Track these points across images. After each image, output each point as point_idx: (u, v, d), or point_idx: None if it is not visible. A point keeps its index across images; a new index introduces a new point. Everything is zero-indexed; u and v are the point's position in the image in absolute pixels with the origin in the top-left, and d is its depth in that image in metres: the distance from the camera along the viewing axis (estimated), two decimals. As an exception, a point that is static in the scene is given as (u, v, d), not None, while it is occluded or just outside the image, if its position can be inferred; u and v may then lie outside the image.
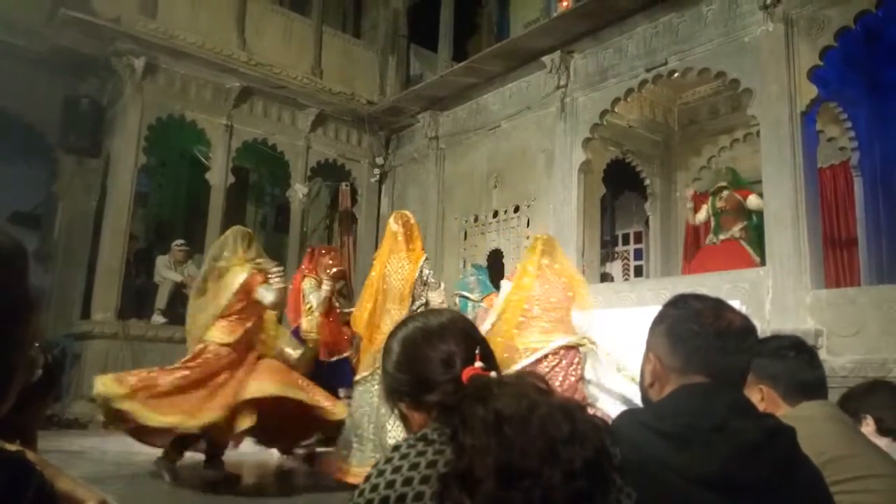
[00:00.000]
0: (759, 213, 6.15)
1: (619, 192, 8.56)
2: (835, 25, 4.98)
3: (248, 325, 4.24)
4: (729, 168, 7.07)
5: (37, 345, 0.97)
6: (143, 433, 4.13)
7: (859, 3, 4.86)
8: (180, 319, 7.87)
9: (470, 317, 5.50)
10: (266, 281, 4.25)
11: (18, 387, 0.83)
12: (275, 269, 4.38)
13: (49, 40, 7.59)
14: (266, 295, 4.19)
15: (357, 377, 4.25)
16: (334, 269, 5.36)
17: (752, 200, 6.40)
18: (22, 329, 0.81)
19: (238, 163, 8.65)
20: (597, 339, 4.62)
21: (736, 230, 6.49)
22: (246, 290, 4.18)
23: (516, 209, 7.60)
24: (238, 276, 4.20)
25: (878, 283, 5.73)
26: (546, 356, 4.31)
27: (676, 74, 6.18)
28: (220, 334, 4.16)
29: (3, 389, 0.81)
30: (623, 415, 1.17)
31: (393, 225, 4.47)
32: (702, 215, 6.89)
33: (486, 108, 8.13)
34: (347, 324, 5.14)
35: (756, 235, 6.25)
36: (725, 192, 6.64)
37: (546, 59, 6.98)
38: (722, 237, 6.57)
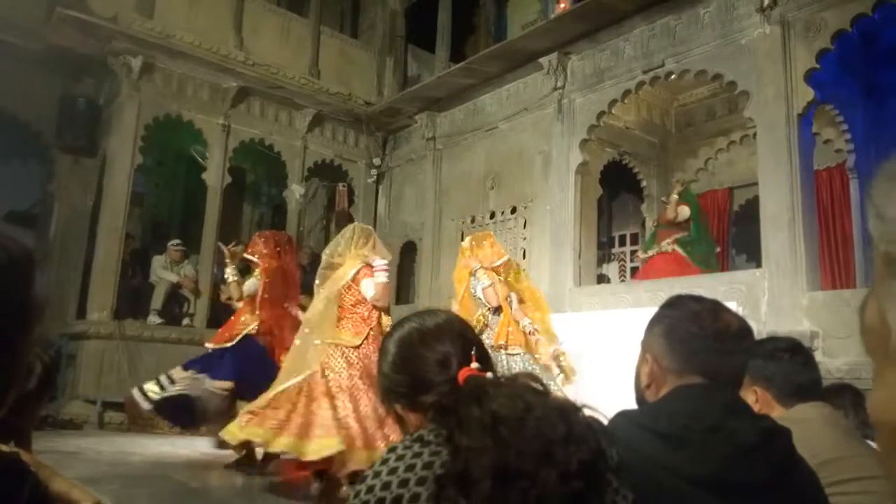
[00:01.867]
0: (695, 226, 6.52)
1: (616, 193, 8.57)
2: (831, 28, 4.99)
3: (373, 324, 4.08)
4: (679, 180, 7.12)
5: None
6: None
7: (856, 6, 4.87)
8: (176, 319, 7.89)
9: None
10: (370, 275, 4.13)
11: (16, 393, 0.83)
12: (379, 262, 4.17)
13: (45, 39, 7.56)
14: (367, 288, 4.06)
15: None
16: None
17: (670, 212, 6.59)
18: (24, 335, 0.81)
19: (235, 163, 8.63)
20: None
21: (665, 244, 6.54)
22: (357, 284, 4.11)
23: (513, 210, 7.60)
24: (350, 269, 4.15)
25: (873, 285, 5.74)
26: None
27: (673, 76, 6.19)
28: (348, 336, 4.04)
29: (1, 395, 0.81)
30: (619, 416, 1.17)
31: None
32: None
33: (484, 109, 8.14)
34: None
35: (689, 248, 6.45)
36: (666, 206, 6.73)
37: (543, 60, 6.99)
38: (651, 252, 6.65)
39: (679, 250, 6.43)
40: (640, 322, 1.36)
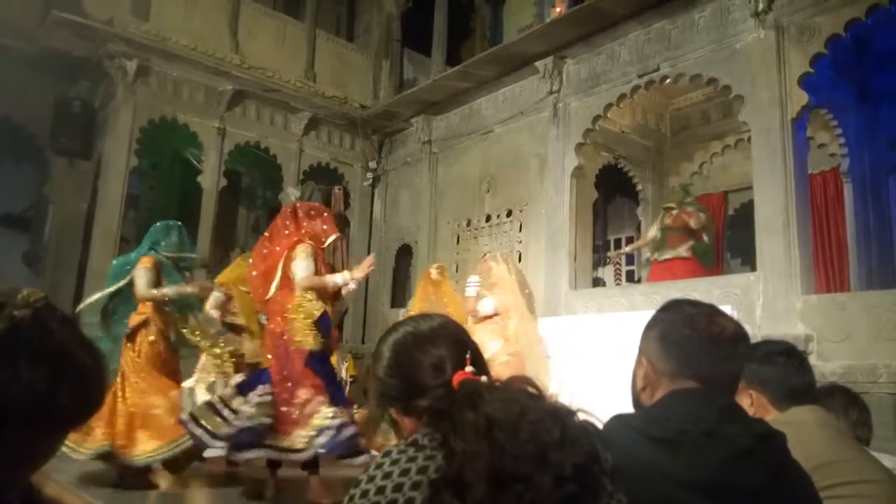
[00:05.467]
0: (708, 234, 6.54)
1: (612, 197, 8.58)
2: (825, 33, 5.02)
3: None
4: (683, 186, 7.09)
5: None
6: None
7: (849, 11, 4.90)
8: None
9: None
10: None
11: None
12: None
13: (41, 42, 7.54)
14: None
15: None
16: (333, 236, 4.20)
17: (695, 220, 6.48)
18: (63, 436, 0.84)
19: (230, 166, 8.62)
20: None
21: (682, 249, 6.46)
22: None
23: (509, 214, 7.60)
24: None
25: (867, 288, 5.77)
26: None
27: (668, 80, 6.20)
28: None
29: (19, 473, 0.83)
30: (614, 420, 1.17)
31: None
32: (652, 232, 6.85)
33: (480, 112, 8.14)
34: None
35: (704, 257, 6.43)
36: (674, 211, 6.66)
37: (539, 64, 7.00)
38: (667, 256, 6.53)
39: (695, 257, 6.43)
40: (635, 325, 1.36)
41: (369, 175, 9.66)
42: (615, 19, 6.34)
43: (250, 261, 4.47)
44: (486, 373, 1.07)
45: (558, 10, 7.11)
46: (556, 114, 6.95)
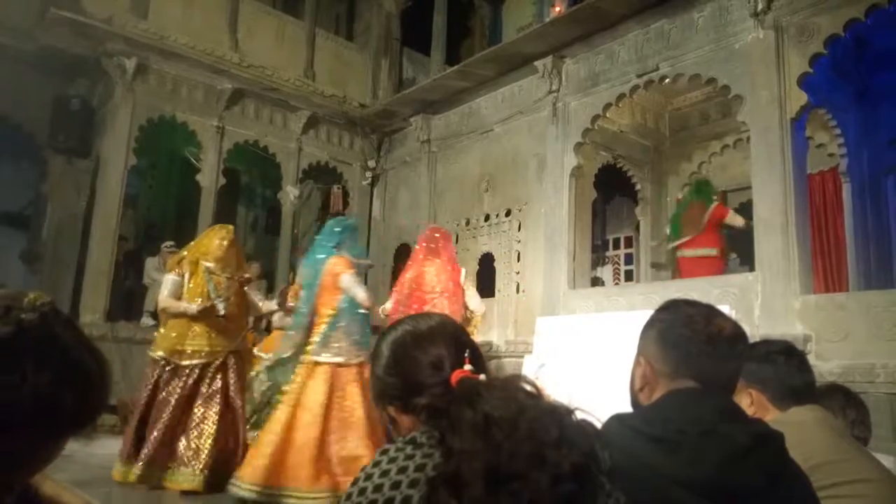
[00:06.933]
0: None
1: (611, 196, 8.59)
2: (824, 33, 5.02)
3: None
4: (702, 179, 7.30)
5: None
6: None
7: (848, 11, 4.90)
8: (169, 322, 7.85)
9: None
10: None
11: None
12: None
13: (39, 40, 7.54)
14: None
15: None
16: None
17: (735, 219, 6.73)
18: (65, 440, 0.83)
19: (229, 164, 8.61)
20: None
21: (714, 250, 6.76)
22: None
23: (508, 213, 7.60)
24: None
25: (866, 288, 5.77)
26: None
27: (668, 80, 6.19)
28: None
29: (19, 475, 0.83)
30: (612, 419, 1.17)
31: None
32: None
33: (479, 112, 8.14)
34: None
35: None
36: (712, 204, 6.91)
37: (538, 63, 6.99)
38: (712, 253, 6.74)
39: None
40: (634, 325, 1.36)
41: (368, 174, 9.66)
42: (614, 19, 6.34)
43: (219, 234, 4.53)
44: (485, 371, 1.07)
45: (557, 9, 7.11)
46: (555, 113, 6.95)
